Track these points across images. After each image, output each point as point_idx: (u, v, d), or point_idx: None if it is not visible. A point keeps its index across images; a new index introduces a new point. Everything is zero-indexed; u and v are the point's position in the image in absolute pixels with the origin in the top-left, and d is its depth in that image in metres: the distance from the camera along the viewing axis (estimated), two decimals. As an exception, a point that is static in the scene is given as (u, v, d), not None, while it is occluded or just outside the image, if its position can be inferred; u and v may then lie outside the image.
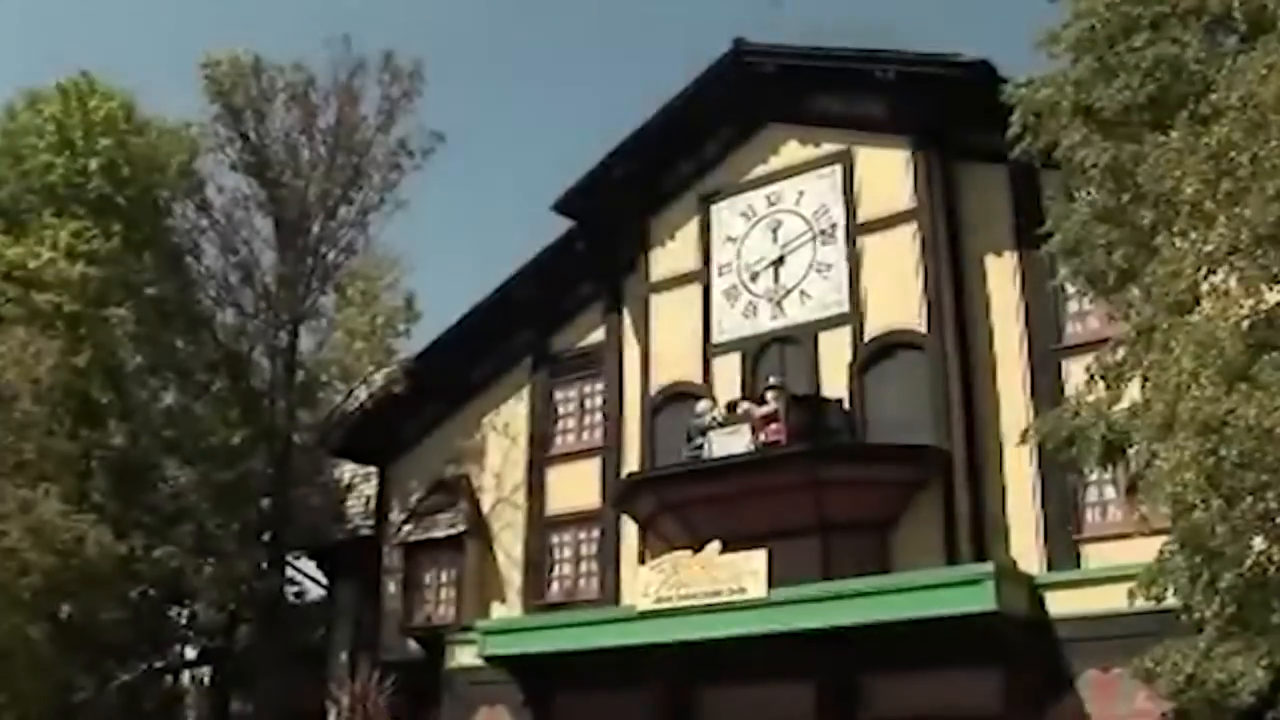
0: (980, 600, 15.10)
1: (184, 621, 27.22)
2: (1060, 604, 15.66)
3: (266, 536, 26.43)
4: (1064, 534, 16.45)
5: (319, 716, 24.54)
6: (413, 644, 22.48)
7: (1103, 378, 11.62)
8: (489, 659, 19.87)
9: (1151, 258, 10.63)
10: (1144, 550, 11.61)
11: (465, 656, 20.65)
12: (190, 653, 29.13)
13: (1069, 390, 14.79)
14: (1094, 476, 15.85)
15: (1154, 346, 10.49)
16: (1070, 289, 16.31)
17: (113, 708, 21.89)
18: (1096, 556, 15.99)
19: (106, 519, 20.86)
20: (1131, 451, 11.27)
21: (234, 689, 27.75)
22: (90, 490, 23.19)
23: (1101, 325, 15.60)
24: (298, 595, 29.28)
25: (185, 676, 31.08)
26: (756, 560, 17.05)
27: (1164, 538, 11.01)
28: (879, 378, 18.49)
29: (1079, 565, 16.20)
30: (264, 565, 25.93)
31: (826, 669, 16.81)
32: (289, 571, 28.32)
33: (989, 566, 15.71)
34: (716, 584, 17.27)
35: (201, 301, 26.32)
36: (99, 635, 22.57)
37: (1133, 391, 11.32)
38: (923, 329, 18.05)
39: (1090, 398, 11.86)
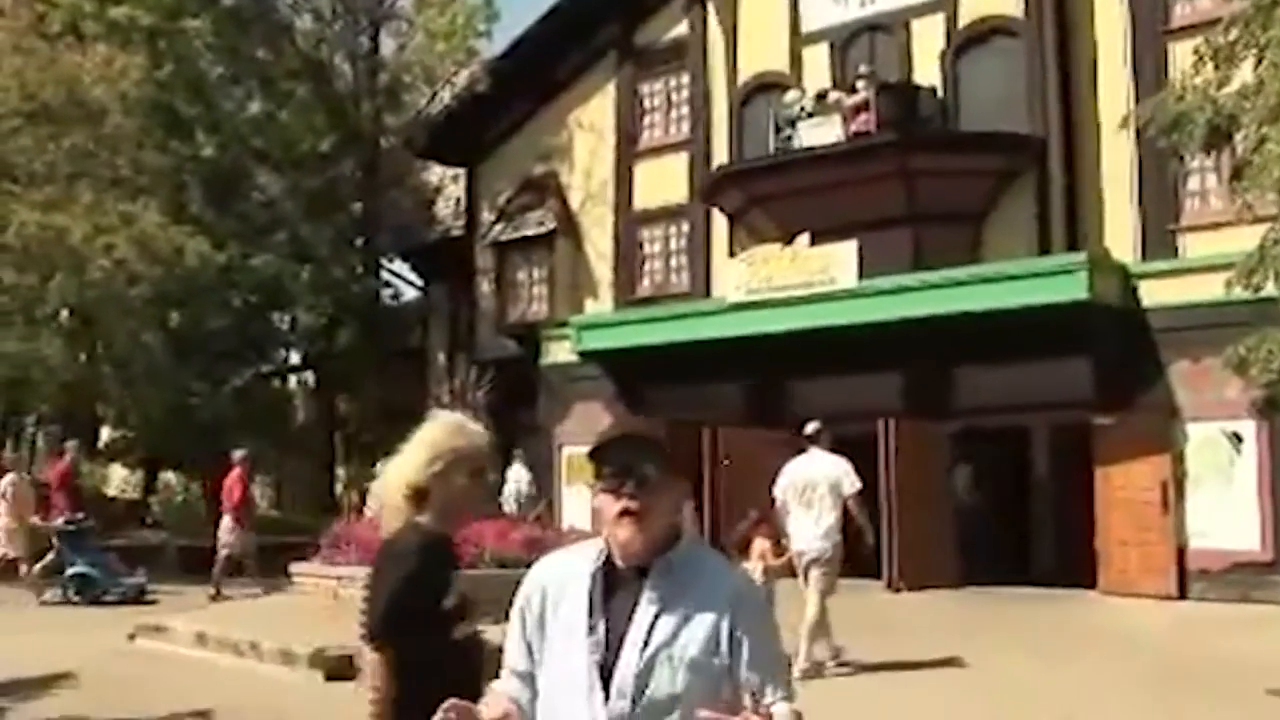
0: (1072, 290, 15.04)
1: (286, 327, 28.08)
2: (1154, 294, 15.55)
3: (359, 241, 26.92)
4: (1161, 223, 16.15)
5: (420, 415, 25.45)
6: (508, 341, 23.00)
7: (1212, 59, 11.06)
8: (583, 354, 20.36)
9: (1275, -75, 9.95)
10: (1244, 239, 11.36)
11: (560, 353, 21.16)
12: (294, 357, 30.21)
13: (1174, 74, 14.17)
14: (1195, 164, 15.42)
15: (1273, 23, 9.95)
16: (1181, -35, 15.46)
17: (226, 410, 22.88)
18: (1194, 246, 15.73)
19: (203, 229, 21.23)
20: (1239, 136, 10.86)
21: (337, 391, 28.84)
22: (186, 202, 23.54)
23: (1213, 5, 14.79)
24: (393, 298, 30.02)
25: (291, 380, 32.36)
26: (846, 251, 17.08)
27: (1267, 225, 10.75)
28: (973, 65, 17.91)
29: (1176, 255, 15.97)
30: (358, 269, 26.52)
31: (916, 359, 16.98)
32: (383, 275, 28.97)
33: (1082, 256, 15.58)
34: (806, 275, 17.35)
35: (278, 9, 25.93)
36: (207, 342, 23.41)
37: (1244, 73, 10.82)
38: (1019, 13, 17.30)
39: (1197, 80, 11.33)
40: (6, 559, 16.26)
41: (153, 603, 15.81)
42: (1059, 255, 16.21)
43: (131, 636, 12.55)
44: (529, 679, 2.64)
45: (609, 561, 2.57)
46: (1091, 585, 15.44)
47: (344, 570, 12.59)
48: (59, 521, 16.46)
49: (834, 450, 10.83)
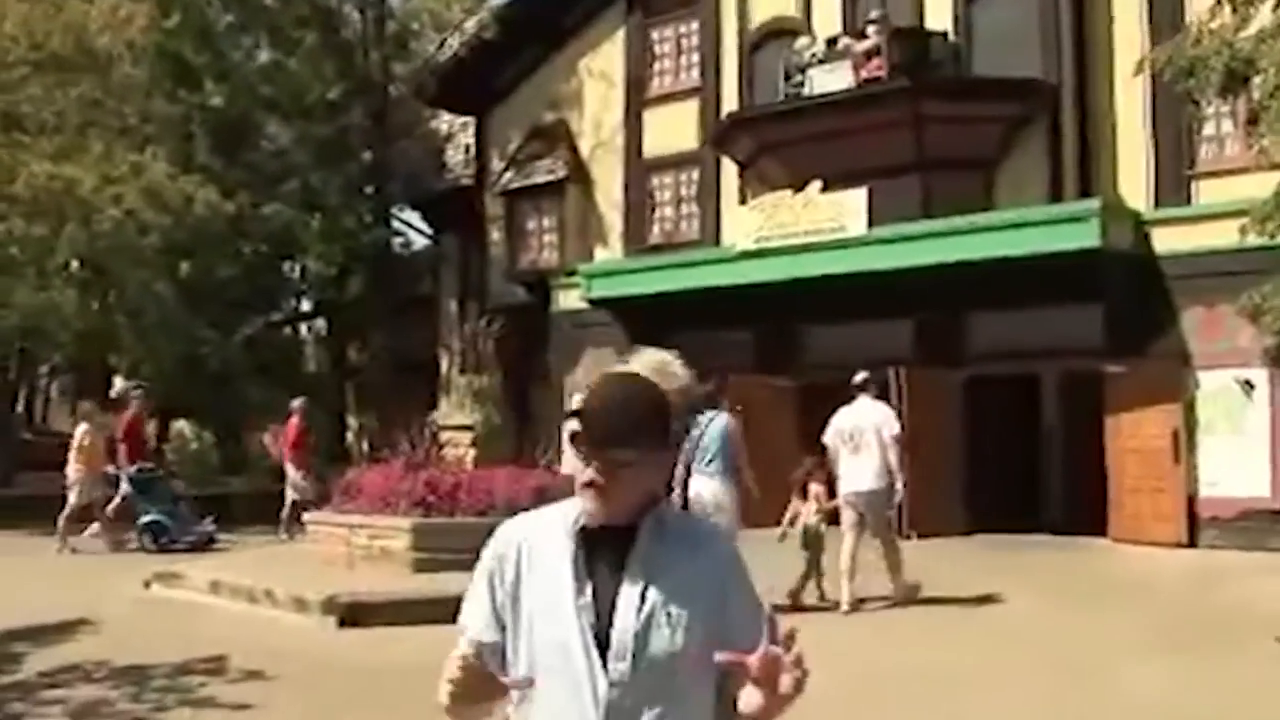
0: (1084, 237, 14.93)
1: (296, 276, 28.09)
2: (1167, 241, 15.43)
3: (369, 190, 26.84)
4: (1175, 170, 15.99)
5: (431, 363, 25.54)
6: (519, 289, 22.99)
7: (1230, 1, 10.98)
8: (593, 301, 20.34)
9: None
10: (1260, 185, 11.31)
11: (570, 300, 21.14)
12: (305, 306, 30.24)
13: (1190, 18, 14.00)
14: (1211, 109, 15.24)
15: (1292, -34, 9.84)
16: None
17: (237, 359, 22.92)
18: (1209, 193, 15.59)
19: (213, 179, 21.18)
20: (1256, 80, 10.77)
21: (348, 339, 28.87)
22: (194, 151, 23.49)
23: (1230, -55, 14.58)
24: (404, 246, 29.98)
25: (302, 329, 32.39)
26: (857, 199, 17.01)
27: (1283, 171, 10.69)
28: (986, 10, 17.71)
29: (1190, 201, 15.83)
30: (369, 218, 26.47)
31: (927, 307, 16.93)
32: (394, 223, 28.93)
33: (1094, 203, 15.46)
34: (817, 223, 17.30)
35: (285, -44, 25.74)
36: (219, 291, 23.43)
37: (1263, 16, 10.72)
38: (1033, -45, 17.10)
39: (1214, 24, 11.24)
40: (82, 506, 16.31)
41: (223, 550, 15.89)
42: (1071, 202, 16.10)
43: (147, 584, 12.64)
44: (495, 650, 2.45)
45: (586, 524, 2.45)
46: (1101, 533, 15.45)
47: (355, 518, 12.67)
48: (131, 470, 16.56)
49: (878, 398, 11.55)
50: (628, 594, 2.39)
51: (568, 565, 2.42)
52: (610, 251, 22.07)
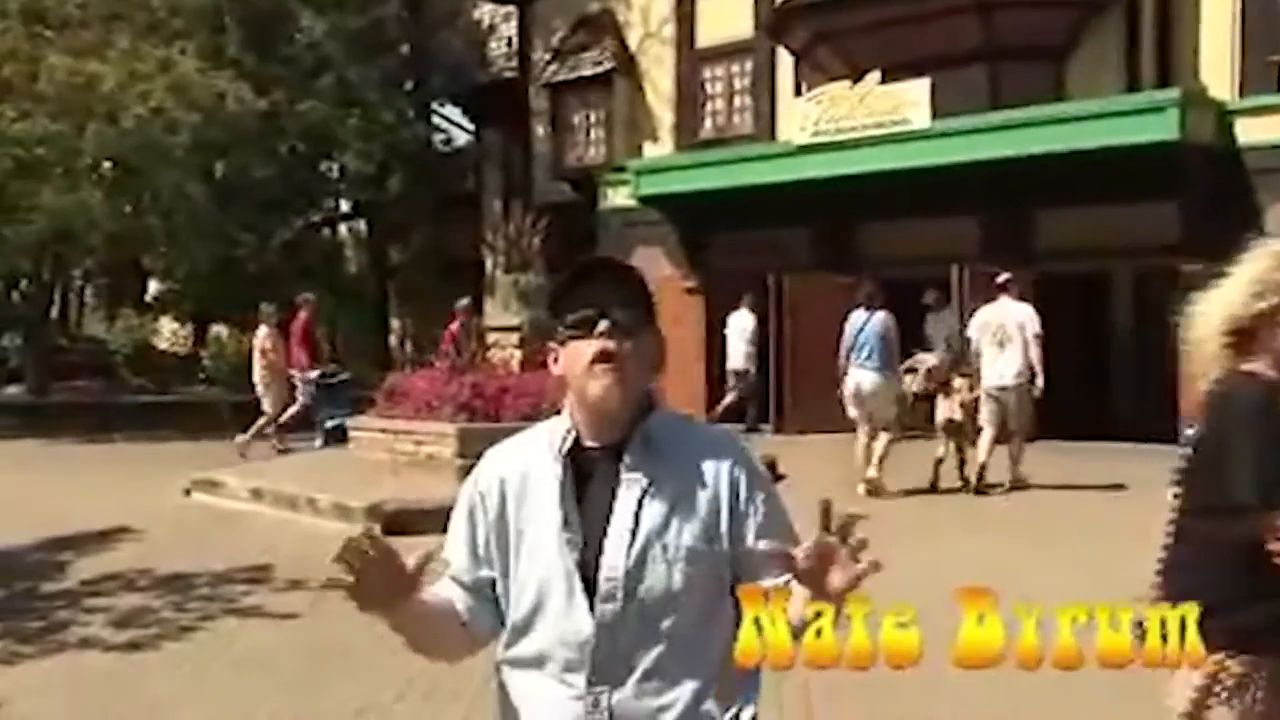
0: (1162, 129, 14.29)
1: (335, 174, 27.58)
2: (1252, 132, 14.73)
3: (409, 84, 26.21)
4: (1262, 55, 15.13)
5: (474, 263, 25.06)
6: (565, 187, 22.46)
7: None
8: (642, 199, 19.82)
9: None
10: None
11: (618, 198, 20.65)
12: (344, 206, 29.80)
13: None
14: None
15: None
16: None
17: (276, 261, 22.51)
18: (1298, 80, 14.83)
19: (245, 74, 20.59)
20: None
21: (390, 239, 28.45)
22: (225, 46, 22.86)
23: None
24: (445, 143, 29.42)
25: (342, 230, 32.00)
26: (919, 90, 16.36)
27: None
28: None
29: (1278, 89, 14.99)
30: (408, 113, 25.86)
31: (994, 203, 16.32)
32: (434, 119, 28.34)
33: (1174, 92, 14.75)
34: (876, 115, 16.69)
35: None
36: (253, 192, 22.95)
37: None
38: None
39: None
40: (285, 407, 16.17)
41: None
42: (1149, 92, 15.38)
43: (187, 491, 12.41)
44: (476, 591, 2.27)
45: (577, 444, 2.18)
46: (1174, 439, 14.86)
47: (399, 424, 12.34)
48: (313, 375, 16.47)
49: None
50: (618, 524, 2.13)
51: (555, 494, 2.17)
52: (660, 147, 21.45)
